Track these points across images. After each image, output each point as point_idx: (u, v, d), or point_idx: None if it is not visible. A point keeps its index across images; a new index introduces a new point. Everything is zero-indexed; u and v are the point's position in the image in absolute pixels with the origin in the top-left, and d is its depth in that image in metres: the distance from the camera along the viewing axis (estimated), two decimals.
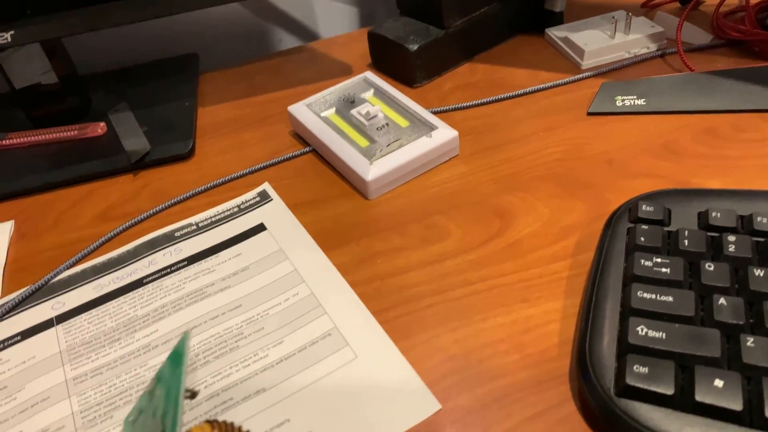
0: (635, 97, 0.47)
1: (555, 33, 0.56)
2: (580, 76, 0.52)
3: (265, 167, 0.47)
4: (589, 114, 0.47)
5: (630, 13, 0.54)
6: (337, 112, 0.48)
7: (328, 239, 0.40)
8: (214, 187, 0.46)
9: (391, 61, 0.55)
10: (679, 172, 0.41)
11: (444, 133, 0.44)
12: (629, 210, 0.34)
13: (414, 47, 0.52)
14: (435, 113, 0.50)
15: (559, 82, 0.52)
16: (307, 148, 0.48)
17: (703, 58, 0.52)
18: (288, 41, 0.71)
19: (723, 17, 0.54)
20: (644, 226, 0.32)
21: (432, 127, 0.45)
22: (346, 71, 0.59)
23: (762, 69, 0.47)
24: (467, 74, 0.55)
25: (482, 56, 0.58)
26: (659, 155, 0.42)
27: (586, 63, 0.53)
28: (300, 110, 0.48)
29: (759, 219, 0.31)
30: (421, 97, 0.53)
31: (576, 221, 0.38)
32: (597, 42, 0.53)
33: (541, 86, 0.51)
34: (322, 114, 0.48)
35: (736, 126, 0.44)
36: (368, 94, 0.50)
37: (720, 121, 0.45)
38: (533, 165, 0.43)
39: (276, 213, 0.42)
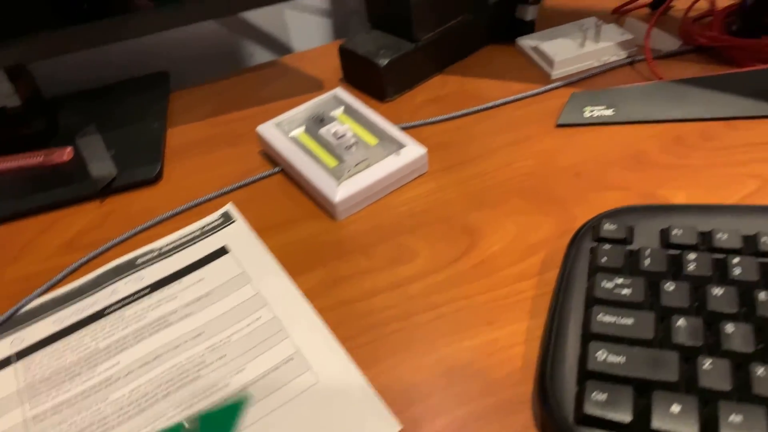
0: (604, 107, 0.47)
1: (526, 42, 0.56)
2: (551, 86, 0.52)
3: (233, 189, 0.47)
4: (559, 126, 0.47)
5: (600, 21, 0.54)
6: (307, 130, 0.48)
7: (295, 262, 0.39)
8: (182, 211, 0.45)
9: (363, 76, 0.55)
10: (646, 184, 0.41)
11: (412, 151, 0.44)
12: (593, 228, 0.34)
13: (384, 62, 0.51)
14: (405, 128, 0.50)
15: (530, 93, 0.51)
16: (277, 168, 0.48)
17: (673, 64, 0.52)
18: (260, 55, 0.71)
19: (692, 23, 0.54)
20: (606, 246, 0.32)
21: (401, 145, 0.44)
22: (317, 86, 0.58)
23: (729, 76, 0.47)
24: (439, 86, 0.55)
25: (454, 67, 0.57)
26: (627, 166, 0.42)
27: (556, 73, 0.52)
28: (269, 130, 0.48)
29: (718, 236, 0.31)
30: (393, 112, 0.53)
31: (543, 238, 0.38)
32: (567, 51, 0.53)
33: (512, 98, 0.51)
34: (291, 134, 0.48)
35: (703, 134, 0.44)
36: (338, 112, 0.49)
37: (688, 129, 0.44)
38: (502, 180, 0.43)
39: (239, 235, 0.41)
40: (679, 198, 0.39)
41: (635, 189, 0.40)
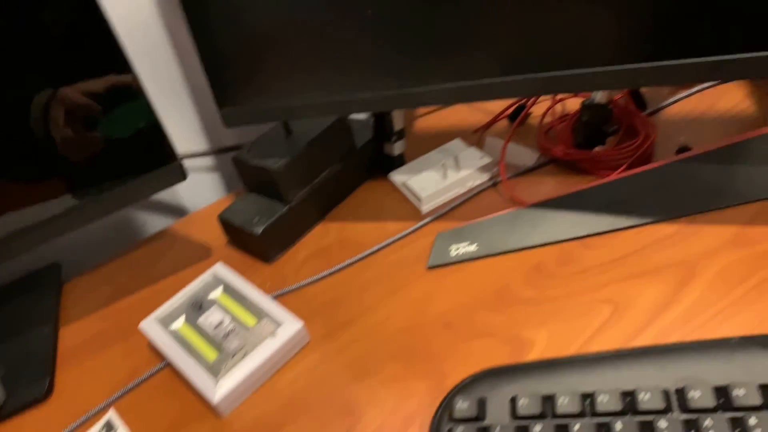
0: (467, 243, 0.49)
1: (397, 178, 0.59)
2: (421, 223, 0.54)
3: (123, 394, 0.46)
4: (429, 268, 0.49)
5: (463, 144, 0.56)
6: (187, 320, 0.48)
7: None
8: (76, 428, 0.45)
9: (243, 242, 0.56)
10: (510, 326, 0.42)
11: (290, 328, 0.45)
12: (447, 408, 0.35)
13: (259, 230, 0.53)
14: (289, 292, 0.51)
15: (403, 233, 0.53)
16: (163, 363, 0.48)
17: (532, 180, 0.55)
18: (153, 222, 0.71)
19: (545, 135, 0.57)
20: (460, 428, 0.33)
21: (278, 323, 0.45)
22: (206, 254, 0.59)
23: (581, 193, 0.50)
24: (320, 237, 0.57)
25: (334, 213, 0.59)
26: (492, 307, 0.44)
27: (425, 207, 0.55)
28: (150, 327, 0.48)
29: (561, 400, 0.32)
30: (277, 273, 0.54)
31: (416, 406, 0.39)
32: (432, 185, 0.55)
33: (386, 242, 0.53)
34: (172, 327, 0.48)
35: (560, 259, 0.46)
36: (217, 293, 0.50)
37: (546, 255, 0.47)
38: (380, 340, 0.44)
39: None
40: (541, 337, 0.41)
41: (500, 334, 0.42)
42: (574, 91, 0.49)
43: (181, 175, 0.52)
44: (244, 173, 0.58)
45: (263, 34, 0.47)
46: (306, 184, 0.56)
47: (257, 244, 0.54)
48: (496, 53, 0.42)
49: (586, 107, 0.52)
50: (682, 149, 0.50)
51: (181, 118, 0.67)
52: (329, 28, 0.45)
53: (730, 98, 0.56)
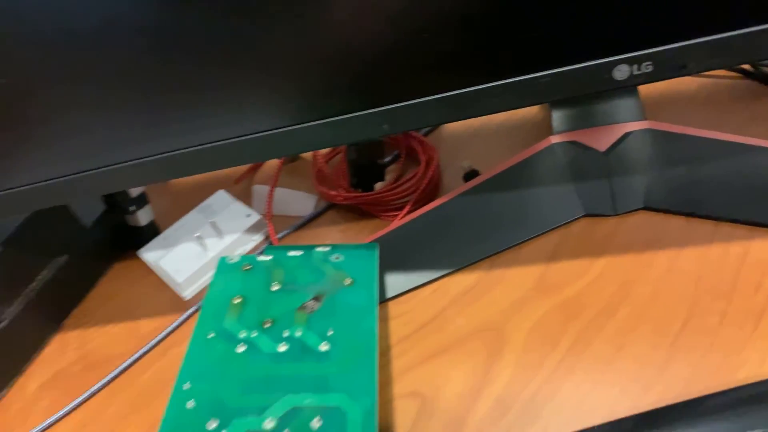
0: None
1: (147, 256, 0.46)
2: (185, 315, 0.42)
3: None
4: None
5: (227, 196, 0.46)
6: None
7: None
8: None
9: None
10: None
11: None
12: None
13: None
14: None
15: (163, 334, 0.42)
16: None
17: (313, 233, 0.46)
18: None
19: (322, 172, 0.48)
20: None
21: None
22: None
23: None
24: (57, 355, 0.43)
25: (74, 316, 0.45)
26: None
27: (188, 293, 0.43)
28: None
29: None
30: (4, 418, 0.40)
31: None
32: (191, 262, 0.44)
33: (142, 350, 0.41)
34: None
35: None
36: None
37: None
38: None
39: None
40: None
41: None
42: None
43: None
44: None
45: None
46: (17, 294, 0.42)
47: None
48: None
49: (350, 144, 0.44)
50: (470, 174, 0.44)
51: None
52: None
53: None
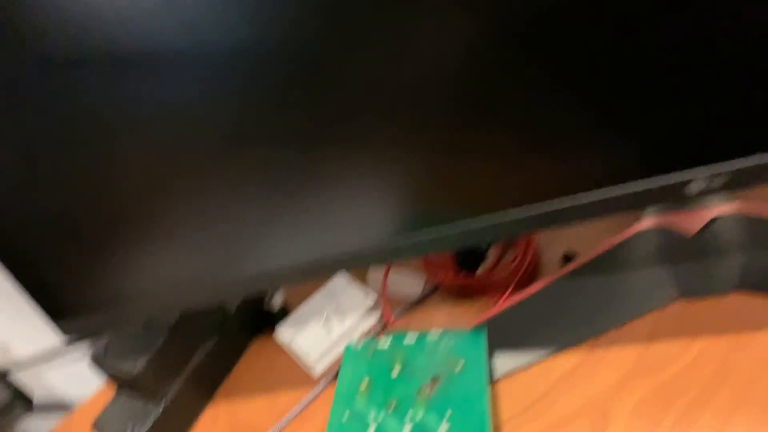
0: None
1: (284, 336, 0.53)
2: (317, 390, 0.48)
3: None
4: None
5: (344, 283, 0.52)
6: None
7: None
8: None
9: None
10: None
11: None
12: None
13: None
14: None
15: (298, 408, 0.48)
16: None
17: (422, 315, 0.51)
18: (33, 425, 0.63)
19: (428, 261, 0.53)
20: None
21: None
22: None
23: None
24: (210, 425, 0.50)
25: (223, 389, 0.53)
26: None
27: (317, 370, 0.49)
28: None
29: None
30: None
31: None
32: (318, 343, 0.50)
33: (282, 421, 0.47)
34: None
35: None
36: None
37: None
38: None
39: None
40: None
41: None
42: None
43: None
44: (106, 373, 0.50)
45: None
46: (178, 374, 0.49)
47: None
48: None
49: None
50: (568, 257, 0.48)
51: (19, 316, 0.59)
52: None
53: None
